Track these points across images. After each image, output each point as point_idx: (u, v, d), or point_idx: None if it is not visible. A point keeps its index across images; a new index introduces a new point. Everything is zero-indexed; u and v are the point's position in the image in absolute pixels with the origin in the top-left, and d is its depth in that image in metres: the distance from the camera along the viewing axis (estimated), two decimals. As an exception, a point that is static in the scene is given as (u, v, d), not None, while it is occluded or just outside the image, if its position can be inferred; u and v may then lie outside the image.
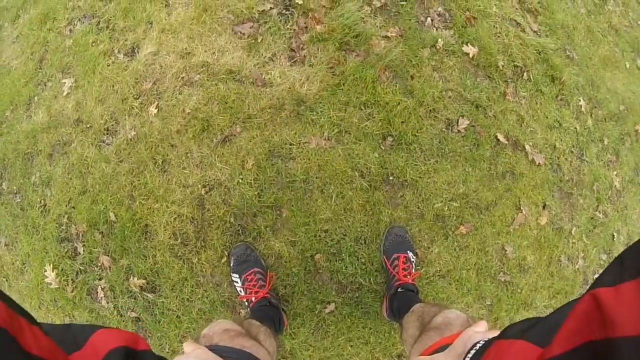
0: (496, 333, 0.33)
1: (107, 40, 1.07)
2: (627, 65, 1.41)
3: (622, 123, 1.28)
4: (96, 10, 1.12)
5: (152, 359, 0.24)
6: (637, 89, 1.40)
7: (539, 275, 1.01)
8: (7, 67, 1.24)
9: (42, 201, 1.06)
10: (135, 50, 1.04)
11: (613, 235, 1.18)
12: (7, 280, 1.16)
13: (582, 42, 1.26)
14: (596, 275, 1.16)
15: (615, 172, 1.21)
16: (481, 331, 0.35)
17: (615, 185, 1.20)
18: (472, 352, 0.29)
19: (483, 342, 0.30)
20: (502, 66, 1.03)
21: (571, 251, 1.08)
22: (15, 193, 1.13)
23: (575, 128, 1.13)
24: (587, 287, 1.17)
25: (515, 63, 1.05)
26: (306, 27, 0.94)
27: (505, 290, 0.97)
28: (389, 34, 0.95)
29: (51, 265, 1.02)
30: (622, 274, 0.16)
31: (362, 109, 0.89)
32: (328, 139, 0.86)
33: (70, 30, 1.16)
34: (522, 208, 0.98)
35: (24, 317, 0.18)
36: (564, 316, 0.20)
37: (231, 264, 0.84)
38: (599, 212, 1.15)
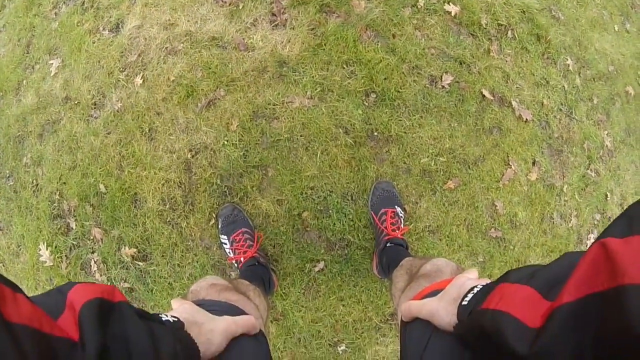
0: (487, 281, 0.32)
1: (92, 19, 1.08)
2: (616, 28, 1.40)
3: (612, 84, 1.27)
4: (80, -9, 1.14)
5: (128, 309, 0.24)
6: (626, 51, 1.39)
7: (532, 232, 1.01)
8: (-4, 54, 1.25)
9: (34, 181, 1.07)
10: (120, 26, 1.04)
11: (606, 195, 1.18)
12: (3, 265, 1.18)
13: (569, 3, 1.25)
14: (591, 235, 1.16)
15: (606, 132, 1.20)
16: (473, 277, 0.34)
17: (607, 145, 1.19)
18: (470, 295, 0.28)
19: (481, 286, 0.28)
20: (486, 24, 1.03)
21: (563, 209, 1.07)
22: (8, 177, 1.14)
23: (563, 86, 1.13)
24: (582, 246, 1.15)
25: (499, 21, 1.05)
26: (287, -7, 0.94)
27: (498, 247, 0.96)
28: (369, -5, 0.95)
29: (45, 244, 1.03)
30: (631, 227, 0.16)
31: (344, 68, 0.89)
32: (311, 98, 0.87)
33: (56, 14, 1.17)
34: (510, 164, 0.97)
35: (6, 286, 0.18)
36: (569, 266, 0.19)
37: (219, 226, 0.84)
38: (591, 170, 1.14)
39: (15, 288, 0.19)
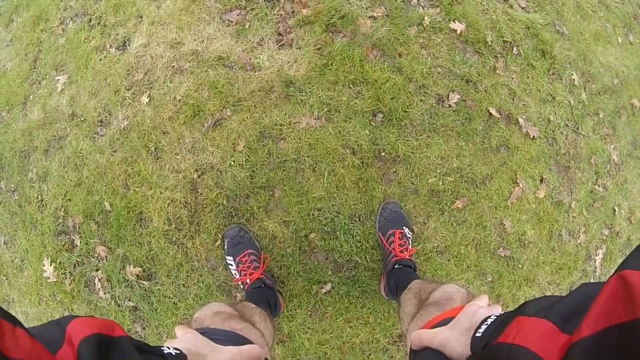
0: (499, 308, 0.32)
1: (99, 36, 1.09)
2: (620, 40, 1.40)
3: (617, 97, 1.27)
4: (87, 9, 1.15)
5: (128, 344, 0.23)
6: (630, 63, 1.39)
7: (540, 250, 1.00)
8: (2, 70, 1.26)
9: (39, 196, 1.07)
10: (127, 44, 1.05)
11: (614, 210, 1.16)
12: (7, 279, 1.17)
13: (572, 17, 1.26)
14: (600, 250, 1.14)
15: (612, 146, 1.20)
16: (484, 305, 0.33)
17: (614, 159, 1.19)
18: (484, 326, 0.27)
19: (494, 317, 0.28)
20: (491, 41, 1.03)
21: (572, 226, 1.06)
22: (13, 191, 1.14)
23: (569, 101, 1.12)
24: (590, 262, 1.14)
25: (504, 38, 1.05)
26: (293, 12, 0.95)
27: (506, 266, 0.95)
28: (375, 14, 0.95)
29: (49, 260, 1.03)
30: None
31: (351, 87, 0.89)
32: (318, 118, 0.86)
33: (63, 30, 1.18)
34: (518, 181, 0.97)
35: (6, 320, 0.18)
36: (587, 297, 0.19)
37: (225, 247, 0.84)
38: (599, 185, 1.13)
39: (15, 322, 0.19)
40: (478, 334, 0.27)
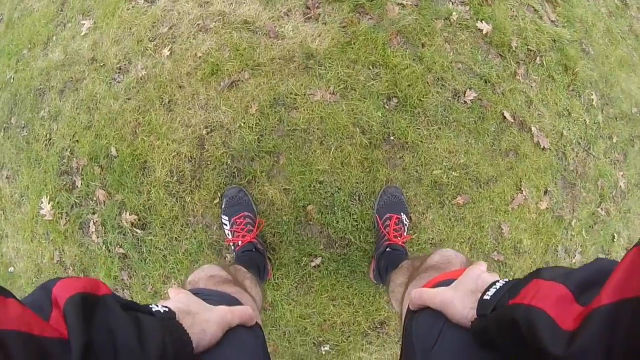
0: (496, 276, 0.31)
1: (130, -14, 1.09)
2: (644, 71, 1.39)
3: (633, 125, 1.26)
4: (123, -41, 1.16)
5: (113, 302, 0.23)
6: (651, 95, 1.37)
7: (534, 261, 0.99)
8: (29, 9, 1.28)
9: (48, 135, 1.08)
10: (156, -3, 1.06)
11: (613, 237, 1.15)
12: (3, 213, 1.18)
13: (600, 39, 1.25)
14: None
15: (621, 173, 1.19)
16: (485, 270, 0.32)
17: (621, 186, 1.18)
18: (492, 289, 0.26)
19: (503, 282, 0.27)
20: (515, 47, 1.02)
21: (569, 243, 1.06)
22: (23, 127, 1.15)
23: (585, 120, 1.12)
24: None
25: (529, 46, 1.05)
26: (324, -12, 0.95)
27: (498, 270, 0.94)
28: (404, 2, 0.95)
29: (48, 198, 1.04)
30: None
31: (369, 69, 0.89)
32: (333, 93, 0.87)
33: (96, -23, 1.19)
34: (522, 189, 0.96)
35: None
36: (602, 270, 0.20)
37: (222, 206, 0.84)
38: (602, 209, 1.12)
39: (6, 294, 0.19)
40: (486, 297, 0.26)
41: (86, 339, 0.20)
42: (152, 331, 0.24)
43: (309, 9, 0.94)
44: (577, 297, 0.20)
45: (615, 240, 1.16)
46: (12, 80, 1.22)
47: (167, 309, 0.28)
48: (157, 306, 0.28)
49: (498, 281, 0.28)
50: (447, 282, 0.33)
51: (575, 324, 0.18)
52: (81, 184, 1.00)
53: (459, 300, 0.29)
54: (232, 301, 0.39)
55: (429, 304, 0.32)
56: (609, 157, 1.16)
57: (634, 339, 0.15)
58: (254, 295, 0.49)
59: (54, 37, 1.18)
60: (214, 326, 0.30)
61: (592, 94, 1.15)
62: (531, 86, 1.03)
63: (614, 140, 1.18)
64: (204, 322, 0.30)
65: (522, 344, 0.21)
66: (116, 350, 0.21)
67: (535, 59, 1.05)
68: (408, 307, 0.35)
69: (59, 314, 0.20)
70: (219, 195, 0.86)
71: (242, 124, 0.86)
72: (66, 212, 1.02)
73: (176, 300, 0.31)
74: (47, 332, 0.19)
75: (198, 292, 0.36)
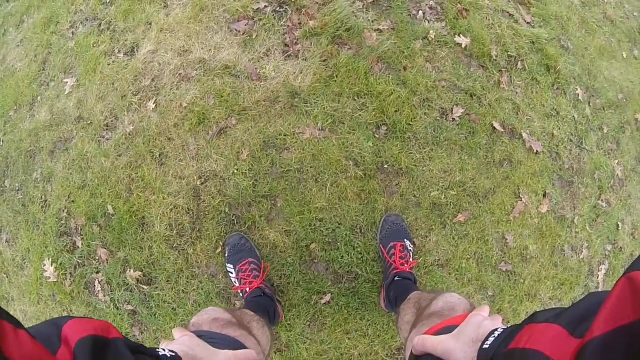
0: (499, 319, 0.32)
1: (108, 40, 1.10)
2: (624, 55, 1.40)
3: (622, 111, 1.26)
4: (97, 13, 1.17)
5: (123, 346, 0.23)
6: (635, 78, 1.38)
7: (542, 265, 0.99)
8: (11, 69, 1.28)
9: (43, 196, 1.08)
10: (135, 50, 1.07)
11: (617, 225, 1.16)
12: (7, 276, 1.18)
13: (577, 32, 1.26)
14: (602, 266, 1.13)
15: (616, 161, 1.19)
16: (487, 316, 0.33)
17: (617, 174, 1.18)
18: (491, 339, 0.27)
19: (502, 329, 0.28)
20: (496, 56, 1.03)
21: (574, 241, 1.06)
22: (17, 189, 1.15)
23: (573, 116, 1.12)
24: (593, 277, 1.12)
25: (508, 53, 1.06)
26: (299, 23, 0.96)
27: (508, 280, 0.94)
28: (380, 27, 0.96)
29: (50, 260, 1.03)
30: None
31: (355, 99, 0.90)
32: (322, 129, 0.87)
33: (73, 33, 1.20)
34: (521, 196, 0.96)
35: (7, 322, 0.18)
36: (595, 303, 0.20)
37: (226, 254, 0.84)
38: (602, 201, 1.12)
39: (17, 324, 0.19)
40: (485, 346, 0.27)
41: None
42: None
43: (288, 46, 0.94)
44: (571, 332, 0.20)
45: (619, 228, 1.16)
46: (1, 142, 1.22)
47: (173, 354, 0.28)
48: (164, 350, 0.28)
49: (497, 329, 0.29)
50: (450, 328, 0.34)
51: (573, 358, 0.18)
52: (82, 243, 0.99)
53: (461, 350, 0.29)
54: (236, 344, 0.40)
55: (431, 352, 0.32)
56: (602, 148, 1.17)
57: None
58: (260, 337, 0.49)
59: (39, 97, 1.19)
60: None
61: (577, 89, 1.16)
62: (516, 92, 1.04)
63: (605, 131, 1.19)
64: None
65: None
66: None
67: (517, 64, 1.06)
68: (411, 352, 0.35)
69: (68, 351, 0.20)
70: (221, 243, 0.86)
71: (235, 171, 0.86)
72: (70, 273, 1.01)
73: (180, 342, 0.32)
74: None
75: (202, 335, 0.37)
